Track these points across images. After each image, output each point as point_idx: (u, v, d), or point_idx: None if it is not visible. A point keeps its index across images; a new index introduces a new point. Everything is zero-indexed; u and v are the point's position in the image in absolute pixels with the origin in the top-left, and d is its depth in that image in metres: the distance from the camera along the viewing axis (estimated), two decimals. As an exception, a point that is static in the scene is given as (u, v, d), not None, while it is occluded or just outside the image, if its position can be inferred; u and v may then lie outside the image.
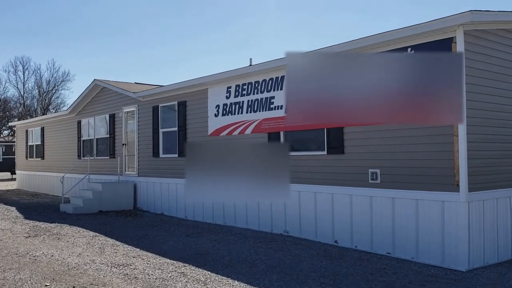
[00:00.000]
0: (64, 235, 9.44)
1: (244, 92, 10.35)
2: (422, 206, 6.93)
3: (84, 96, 16.62)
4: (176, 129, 12.56)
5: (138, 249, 8.11)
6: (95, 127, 16.56)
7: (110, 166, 15.44)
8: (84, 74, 76.98)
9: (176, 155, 12.51)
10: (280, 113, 9.38)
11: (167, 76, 76.21)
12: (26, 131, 22.66)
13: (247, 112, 10.25)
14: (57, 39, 75.29)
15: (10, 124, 27.20)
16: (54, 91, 71.39)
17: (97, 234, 9.54)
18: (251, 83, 10.17)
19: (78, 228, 10.37)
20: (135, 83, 16.58)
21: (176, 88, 12.27)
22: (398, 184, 7.22)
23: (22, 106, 68.98)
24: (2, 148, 49.25)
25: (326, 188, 8.43)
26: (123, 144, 14.84)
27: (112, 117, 15.43)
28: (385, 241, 7.42)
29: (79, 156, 17.49)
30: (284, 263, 6.98)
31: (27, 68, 72.30)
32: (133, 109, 14.41)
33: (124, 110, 14.84)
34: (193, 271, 6.53)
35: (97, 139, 16.46)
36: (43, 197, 18.19)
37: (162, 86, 12.75)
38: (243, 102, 10.37)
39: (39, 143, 21.10)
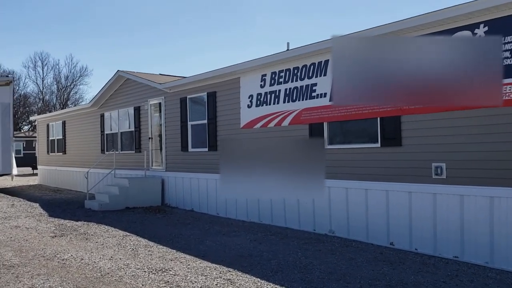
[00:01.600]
0: (92, 234, 8.85)
1: (281, 80, 9.58)
2: (497, 204, 6.10)
3: (107, 88, 16.05)
4: (205, 121, 11.87)
5: (174, 250, 7.45)
6: (119, 121, 15.99)
7: (135, 161, 14.86)
8: (102, 69, 77.13)
9: (206, 149, 11.82)
10: (323, 101, 8.60)
11: (190, 68, 75.76)
12: (47, 125, 22.28)
13: (284, 102, 9.49)
14: (75, 34, 75.44)
15: (31, 118, 26.87)
16: (72, 86, 71.62)
17: (127, 234, 8.92)
18: (289, 69, 9.40)
19: (106, 226, 9.78)
20: (159, 74, 15.95)
21: (205, 78, 11.56)
22: (468, 179, 6.39)
23: (41, 102, 69.37)
24: (23, 143, 49.51)
25: (379, 185, 7.64)
26: (149, 138, 14.22)
27: (137, 110, 14.82)
28: (451, 243, 6.61)
29: (102, 151, 16.96)
30: (340, 269, 6.23)
31: (46, 64, 72.69)
32: (159, 101, 13.76)
33: (150, 103, 14.21)
34: (241, 278, 5.83)
35: (121, 132, 15.89)
36: (66, 193, 17.74)
37: (189, 76, 12.09)
38: (279, 90, 9.60)
39: (61, 137, 20.68)
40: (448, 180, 6.61)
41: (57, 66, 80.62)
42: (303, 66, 9.07)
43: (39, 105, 67.43)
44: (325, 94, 8.59)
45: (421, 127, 6.98)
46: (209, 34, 75.57)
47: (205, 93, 11.86)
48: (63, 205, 13.81)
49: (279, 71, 9.64)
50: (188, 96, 12.53)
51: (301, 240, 8.12)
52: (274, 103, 9.74)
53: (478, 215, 6.30)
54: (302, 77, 9.08)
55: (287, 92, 9.42)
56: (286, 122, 9.45)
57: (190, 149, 12.48)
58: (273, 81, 9.80)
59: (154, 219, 10.89)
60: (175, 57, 76.87)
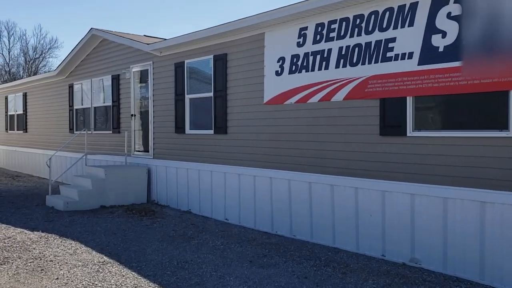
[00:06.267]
0: (51, 261, 5.81)
1: (333, 34, 6.61)
2: None
3: (78, 51, 12.71)
4: (211, 94, 8.82)
5: (184, 302, 4.53)
6: (92, 93, 12.73)
7: (113, 144, 11.71)
8: (73, 42, 71.88)
9: (212, 132, 8.82)
10: (406, 65, 5.70)
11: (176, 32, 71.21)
12: (6, 98, 18.71)
13: (337, 67, 6.55)
14: (44, 2, 69.91)
15: (-14, 89, 23.10)
16: (41, 58, 66.49)
17: (105, 259, 5.93)
18: (346, 19, 6.44)
19: (73, 242, 6.74)
20: (144, 35, 12.69)
21: (212, 35, 8.46)
22: None
23: (7, 74, 64.22)
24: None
25: (508, 197, 4.84)
26: (131, 115, 11.07)
27: (116, 79, 11.60)
28: None
29: (71, 130, 13.69)
30: None
31: (12, 34, 67.26)
32: (145, 68, 10.59)
33: (133, 70, 11.01)
34: None
35: (95, 108, 12.64)
36: (25, 181, 14.45)
37: (188, 33, 8.96)
38: (329, 50, 6.65)
39: (21, 112, 17.21)
40: None
41: (25, 37, 74.70)
42: (371, 14, 6.12)
43: (5, 77, 62.30)
44: (410, 54, 5.67)
45: None
46: None
47: (211, 56, 8.77)
48: (18, 200, 10.61)
49: (329, 22, 6.66)
50: (186, 61, 9.41)
51: (371, 275, 5.30)
52: (319, 69, 6.78)
53: None
54: (370, 29, 6.13)
55: (343, 52, 6.47)
56: (339, 96, 6.52)
57: (188, 130, 9.44)
58: (318, 36, 6.81)
59: (141, 227, 7.88)
60: (162, 26, 71.59)
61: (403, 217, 5.84)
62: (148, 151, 10.61)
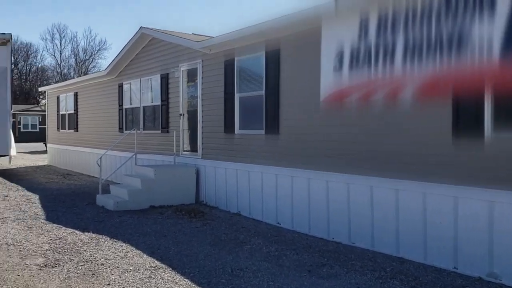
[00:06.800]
0: (102, 264, 5.63)
1: (399, 25, 6.09)
2: None
3: (127, 51, 12.72)
4: (262, 92, 8.47)
5: (242, 316, 4.19)
6: (141, 92, 12.70)
7: (161, 144, 11.61)
8: (121, 43, 73.80)
9: (262, 131, 8.46)
10: (486, 57, 5.10)
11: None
12: (58, 97, 19.16)
13: (404, 61, 6.01)
14: (93, 5, 72.18)
15: (39, 89, 23.88)
16: (91, 60, 68.89)
17: (156, 263, 5.69)
18: (414, 7, 5.90)
19: (123, 244, 6.57)
20: (192, 34, 12.54)
21: (264, 29, 8.11)
22: None
23: (59, 75, 66.80)
24: (39, 118, 47.02)
25: None
26: (180, 115, 10.91)
27: (165, 78, 11.48)
28: None
29: (120, 129, 13.75)
30: None
31: (63, 36, 70.11)
32: (194, 66, 10.39)
33: (182, 68, 10.84)
34: None
35: (144, 107, 12.61)
36: (76, 179, 14.66)
37: (240, 29, 8.64)
38: (395, 43, 6.13)
39: (72, 112, 17.55)
40: None
41: (75, 39, 77.72)
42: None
43: (57, 78, 64.83)
44: (490, 45, 5.08)
45: None
46: None
47: (263, 52, 8.42)
48: (69, 199, 10.68)
49: (394, 11, 6.14)
50: (236, 58, 9.11)
51: (452, 293, 4.76)
52: (383, 63, 6.28)
53: None
54: (442, 18, 5.57)
55: (410, 45, 5.93)
56: (406, 93, 5.99)
57: (237, 130, 9.14)
58: (382, 28, 6.31)
59: (191, 230, 7.63)
60: (210, 25, 72.11)
61: (479, 226, 5.25)
62: (196, 151, 10.40)
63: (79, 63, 68.39)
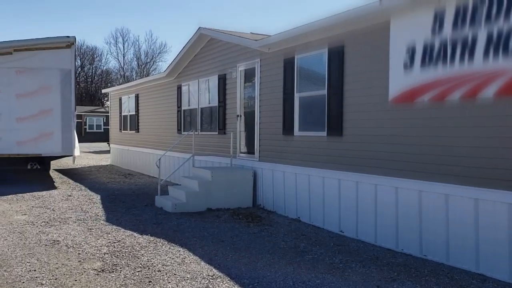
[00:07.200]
0: (159, 270, 5.45)
1: (480, 16, 5.46)
2: None
3: (186, 52, 12.71)
4: (324, 92, 8.04)
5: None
6: (199, 93, 12.63)
7: (218, 145, 11.45)
8: (181, 46, 75.64)
9: (324, 133, 8.03)
10: None
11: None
12: (120, 99, 19.67)
13: (486, 56, 5.38)
14: (155, 9, 74.36)
15: (103, 91, 24.73)
16: (152, 62, 71.09)
17: (214, 271, 5.43)
18: (498, -2, 5.26)
19: (180, 249, 6.38)
20: (250, 33, 12.30)
21: (327, 26, 7.67)
22: None
23: (122, 78, 69.49)
24: (103, 119, 49.08)
25: None
26: (237, 116, 10.69)
27: (222, 79, 11.32)
28: None
29: (179, 131, 13.78)
30: None
31: (126, 40, 72.86)
32: (252, 66, 10.12)
33: (240, 68, 10.62)
34: None
35: (201, 109, 12.53)
36: (136, 179, 14.89)
37: (300, 26, 8.26)
38: (475, 36, 5.50)
39: (134, 113, 17.91)
40: None
41: (137, 42, 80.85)
42: (536, -13, 4.89)
43: (120, 81, 67.47)
44: None
45: None
46: None
47: (325, 50, 7.99)
48: (129, 199, 10.77)
49: (475, 1, 5.52)
50: (296, 56, 8.73)
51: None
52: (461, 59, 5.66)
53: None
54: (534, 7, 4.91)
55: (494, 38, 5.29)
56: (488, 92, 5.35)
57: (296, 132, 8.76)
58: (460, 20, 5.70)
59: (249, 235, 7.34)
60: (269, 25, 72.25)
61: None
62: (253, 153, 10.12)
63: (141, 65, 70.78)
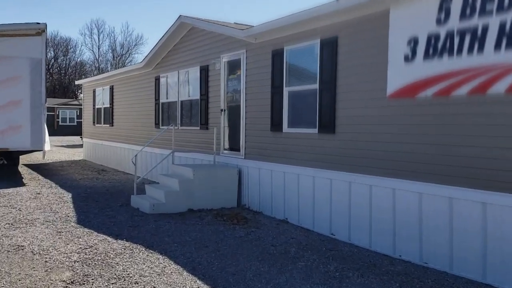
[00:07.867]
0: (136, 283, 4.85)
1: (491, 5, 5.02)
2: None
3: (165, 41, 12.00)
4: (315, 86, 7.52)
5: None
6: (179, 86, 11.97)
7: (200, 141, 10.84)
8: (158, 38, 74.21)
9: (315, 130, 7.52)
10: None
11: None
12: (94, 91, 18.77)
13: (497, 49, 4.95)
14: (131, 0, 72.71)
15: (76, 82, 23.72)
16: (127, 55, 69.48)
17: (199, 283, 4.86)
18: (512, -15, 4.82)
19: (160, 257, 5.78)
20: (234, 23, 11.69)
21: (320, 14, 7.15)
22: None
23: (97, 70, 67.69)
24: (77, 112, 47.58)
25: None
26: (221, 110, 10.09)
27: (205, 71, 10.69)
28: None
29: (157, 125, 13.08)
30: None
31: (101, 31, 70.99)
32: (237, 57, 9.53)
33: (224, 60, 10.01)
34: None
35: (182, 102, 11.87)
36: (110, 176, 14.13)
37: (291, 15, 7.71)
38: (485, 27, 5.06)
39: (108, 106, 17.07)
40: None
41: (113, 34, 78.85)
42: (558, -28, 4.46)
43: (95, 73, 65.72)
44: None
45: None
46: None
47: (317, 41, 7.47)
48: (103, 198, 10.06)
49: (487, -11, 5.07)
50: (285, 47, 8.19)
51: None
52: (470, 52, 5.22)
53: None
54: (555, -6, 4.48)
55: (506, 29, 4.86)
56: (499, 87, 4.93)
57: (285, 128, 8.23)
58: (469, 9, 5.25)
59: (235, 239, 6.78)
60: (253, 17, 71.68)
61: None
62: (238, 150, 9.55)
63: (116, 57, 69.11)
